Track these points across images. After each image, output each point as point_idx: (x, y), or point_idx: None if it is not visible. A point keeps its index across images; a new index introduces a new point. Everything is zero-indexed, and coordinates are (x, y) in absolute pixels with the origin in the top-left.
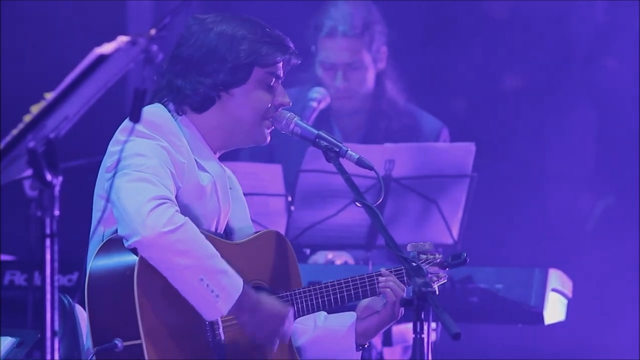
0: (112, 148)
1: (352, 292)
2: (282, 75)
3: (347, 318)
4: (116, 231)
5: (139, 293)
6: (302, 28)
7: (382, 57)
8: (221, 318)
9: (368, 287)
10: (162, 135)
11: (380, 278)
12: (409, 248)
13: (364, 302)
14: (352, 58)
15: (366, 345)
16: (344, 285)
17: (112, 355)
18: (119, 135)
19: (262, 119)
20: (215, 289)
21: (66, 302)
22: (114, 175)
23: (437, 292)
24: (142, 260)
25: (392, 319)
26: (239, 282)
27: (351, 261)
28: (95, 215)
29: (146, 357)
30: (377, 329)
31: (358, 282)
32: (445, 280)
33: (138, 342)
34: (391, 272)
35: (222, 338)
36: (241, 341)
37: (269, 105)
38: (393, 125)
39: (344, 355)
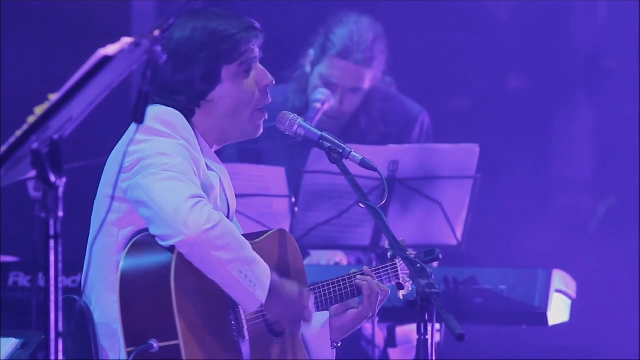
0: (129, 148)
1: (343, 292)
2: (257, 55)
3: (320, 317)
4: (134, 232)
5: (176, 292)
6: (300, 28)
7: (375, 82)
8: (244, 313)
9: (355, 288)
10: (178, 133)
11: (359, 280)
12: (386, 245)
13: None
14: (355, 85)
15: (339, 344)
16: (335, 285)
17: (147, 356)
18: (137, 135)
19: (252, 109)
20: (253, 279)
21: (82, 303)
22: (136, 175)
23: (411, 289)
24: (179, 260)
25: (369, 313)
26: (267, 268)
27: (344, 260)
28: (100, 215)
29: (184, 358)
30: (353, 325)
31: (347, 281)
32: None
33: (175, 342)
34: (372, 271)
35: (247, 336)
36: (261, 339)
37: (254, 92)
38: (368, 139)
39: (319, 355)
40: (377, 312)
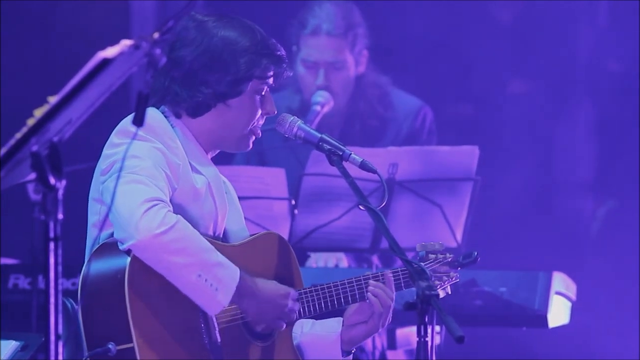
0: (107, 151)
1: (349, 294)
2: (273, 84)
3: (333, 325)
4: (111, 234)
5: (130, 296)
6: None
7: (363, 60)
8: (217, 317)
9: (364, 290)
10: (156, 137)
11: (370, 283)
12: (418, 248)
13: (352, 308)
14: (334, 57)
15: (353, 351)
16: (340, 287)
17: (106, 358)
18: (114, 138)
19: (251, 128)
20: (214, 282)
21: (69, 305)
22: (108, 177)
23: (450, 292)
24: (133, 263)
25: (380, 327)
26: (236, 271)
27: (344, 263)
28: (91, 218)
29: None
30: (364, 338)
31: (355, 284)
32: (457, 280)
33: (131, 345)
34: (393, 273)
35: (219, 339)
36: (238, 342)
37: (259, 114)
38: (369, 124)
39: None
40: (387, 324)
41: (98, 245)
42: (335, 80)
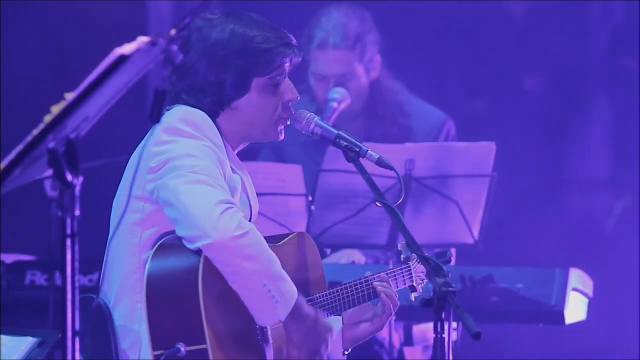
0: (155, 148)
1: (360, 295)
2: (286, 72)
3: (334, 323)
4: (158, 232)
5: (204, 296)
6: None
7: (376, 66)
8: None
9: (372, 291)
10: (204, 134)
11: (378, 285)
12: (400, 247)
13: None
14: (343, 70)
15: (349, 350)
16: (349, 288)
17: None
18: (162, 135)
19: (274, 120)
20: (276, 294)
21: (102, 303)
22: (165, 176)
23: (421, 292)
24: (206, 264)
25: (382, 325)
26: (294, 289)
27: (362, 260)
28: (131, 216)
29: None
30: (364, 337)
31: (364, 285)
32: None
33: (203, 346)
34: (387, 274)
35: (270, 340)
36: (286, 343)
37: (278, 105)
38: (390, 130)
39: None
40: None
41: (158, 245)
42: (347, 90)
